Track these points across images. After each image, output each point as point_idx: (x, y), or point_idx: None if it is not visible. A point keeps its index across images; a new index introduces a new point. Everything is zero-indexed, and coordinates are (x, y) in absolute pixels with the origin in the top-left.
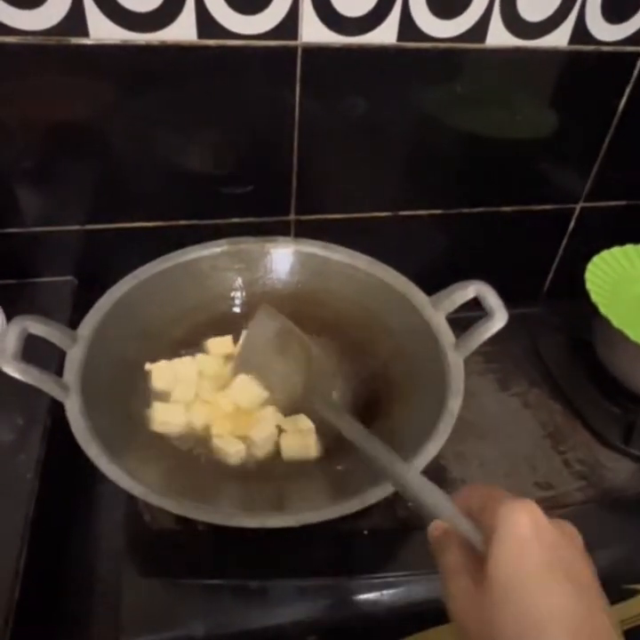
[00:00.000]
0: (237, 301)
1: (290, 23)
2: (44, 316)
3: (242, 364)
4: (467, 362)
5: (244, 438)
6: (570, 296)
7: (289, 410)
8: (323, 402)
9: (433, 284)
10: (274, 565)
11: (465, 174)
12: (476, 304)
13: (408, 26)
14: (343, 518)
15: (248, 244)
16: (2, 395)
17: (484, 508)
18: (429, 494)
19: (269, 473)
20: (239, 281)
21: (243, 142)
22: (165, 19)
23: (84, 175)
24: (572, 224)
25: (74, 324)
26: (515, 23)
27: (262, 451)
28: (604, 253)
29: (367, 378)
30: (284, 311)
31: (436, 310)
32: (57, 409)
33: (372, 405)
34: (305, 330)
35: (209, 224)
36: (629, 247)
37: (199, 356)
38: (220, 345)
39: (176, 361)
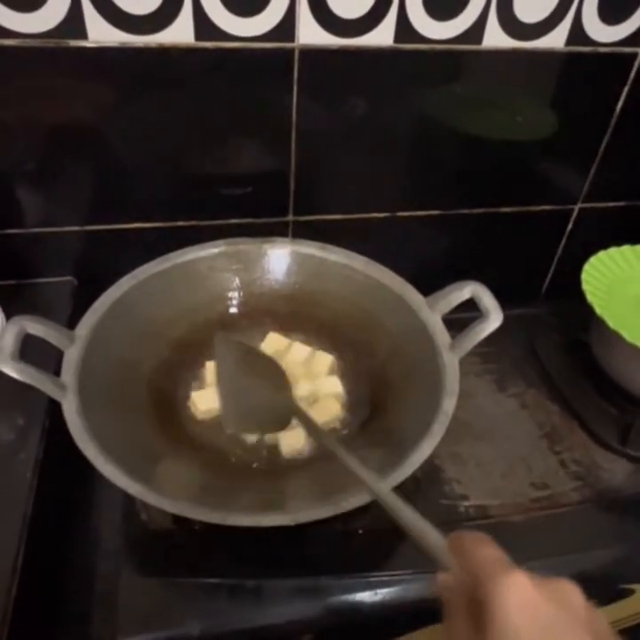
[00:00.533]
0: (235, 302)
1: (287, 25)
2: (43, 316)
3: (224, 404)
4: (464, 362)
5: None
6: (568, 297)
7: (283, 427)
8: (307, 417)
9: (432, 284)
10: (270, 564)
11: (463, 175)
12: (473, 304)
13: (405, 27)
14: (338, 517)
15: (246, 245)
16: (2, 394)
17: (476, 573)
18: (427, 534)
19: (267, 471)
20: (237, 281)
21: (241, 144)
22: (163, 21)
23: (83, 176)
24: (570, 225)
25: (73, 324)
26: (511, 24)
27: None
28: (601, 254)
29: (364, 378)
30: (282, 311)
31: (432, 311)
32: (55, 409)
33: (368, 405)
34: (302, 330)
35: (208, 225)
36: (626, 248)
37: None
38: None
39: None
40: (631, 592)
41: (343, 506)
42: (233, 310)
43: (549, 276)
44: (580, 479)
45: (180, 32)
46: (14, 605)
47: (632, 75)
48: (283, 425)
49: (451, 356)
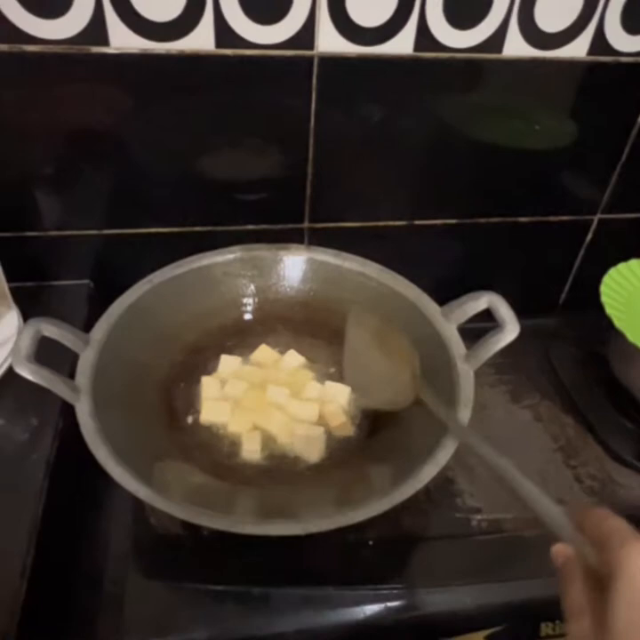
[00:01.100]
0: (249, 308)
1: (306, 33)
2: (60, 318)
3: (349, 374)
4: (478, 373)
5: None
6: (585, 308)
7: (403, 405)
8: (432, 396)
9: (448, 293)
10: (278, 573)
11: (481, 184)
12: (488, 314)
13: (425, 36)
14: (348, 527)
15: (261, 251)
16: (18, 395)
17: (603, 542)
18: (548, 510)
19: (278, 479)
20: (251, 287)
21: (258, 150)
22: (184, 28)
23: (101, 181)
24: (589, 236)
25: (89, 327)
26: (532, 33)
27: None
28: (621, 266)
29: None
30: (296, 318)
31: (447, 321)
32: (69, 411)
33: (382, 413)
34: (317, 337)
35: (224, 231)
36: None
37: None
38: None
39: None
40: None
41: (353, 517)
42: (247, 316)
43: (567, 287)
44: (595, 494)
45: (201, 39)
46: (23, 605)
47: None
48: (403, 404)
49: (466, 367)
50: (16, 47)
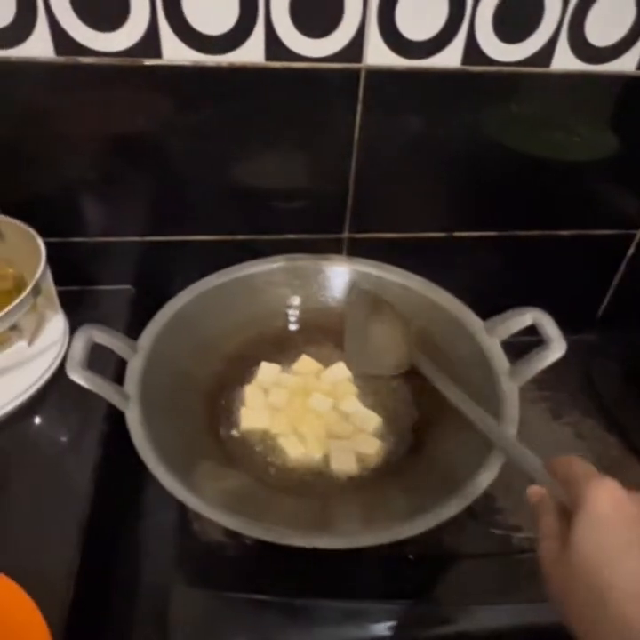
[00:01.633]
0: (291, 318)
1: (355, 46)
2: (102, 322)
3: (348, 345)
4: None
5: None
6: (626, 324)
7: (399, 370)
8: (426, 362)
9: (486, 306)
10: (319, 585)
11: (522, 196)
12: (529, 329)
13: (473, 49)
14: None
15: (303, 261)
16: (63, 397)
17: (571, 481)
18: (525, 458)
19: (320, 492)
20: (293, 297)
21: (302, 161)
22: (235, 41)
23: (145, 189)
24: (631, 250)
25: (130, 332)
26: (582, 47)
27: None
28: None
29: (420, 398)
30: (337, 329)
31: (491, 336)
32: (113, 415)
33: (425, 427)
34: None
35: (264, 239)
36: None
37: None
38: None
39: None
40: None
41: (399, 533)
42: (288, 326)
43: (606, 301)
44: None
45: (251, 52)
46: (70, 611)
47: None
48: (399, 368)
49: (510, 384)
50: (72, 59)
